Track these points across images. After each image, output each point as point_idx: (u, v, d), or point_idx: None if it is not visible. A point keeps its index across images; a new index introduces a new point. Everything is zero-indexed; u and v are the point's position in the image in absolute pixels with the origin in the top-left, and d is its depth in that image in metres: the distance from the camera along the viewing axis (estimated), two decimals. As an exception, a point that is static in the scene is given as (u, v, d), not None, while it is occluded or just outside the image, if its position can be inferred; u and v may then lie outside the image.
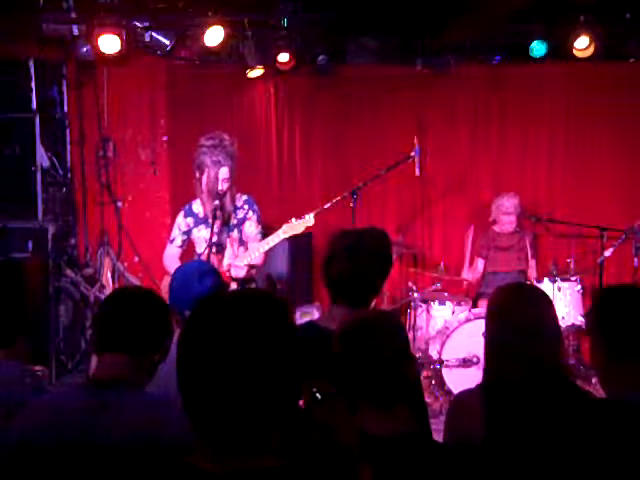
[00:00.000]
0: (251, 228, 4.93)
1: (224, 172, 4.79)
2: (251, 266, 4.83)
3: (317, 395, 1.80)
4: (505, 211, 6.72)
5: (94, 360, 2.35)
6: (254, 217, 4.94)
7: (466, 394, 2.46)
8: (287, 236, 4.77)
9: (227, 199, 4.82)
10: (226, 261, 4.77)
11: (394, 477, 1.97)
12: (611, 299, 2.16)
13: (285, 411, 1.45)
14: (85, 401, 2.20)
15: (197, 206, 4.99)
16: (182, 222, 5.02)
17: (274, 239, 4.76)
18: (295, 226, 4.75)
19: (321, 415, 1.75)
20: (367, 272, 2.70)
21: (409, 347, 2.29)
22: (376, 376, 2.11)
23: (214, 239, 4.73)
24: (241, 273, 4.74)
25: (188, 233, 5.01)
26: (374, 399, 2.11)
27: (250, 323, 1.43)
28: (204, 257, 4.74)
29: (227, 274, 4.72)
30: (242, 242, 4.92)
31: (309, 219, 4.77)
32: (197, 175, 4.88)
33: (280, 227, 4.78)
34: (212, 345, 1.41)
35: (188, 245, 5.08)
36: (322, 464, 1.52)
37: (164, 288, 4.77)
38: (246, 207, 4.94)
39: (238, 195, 4.94)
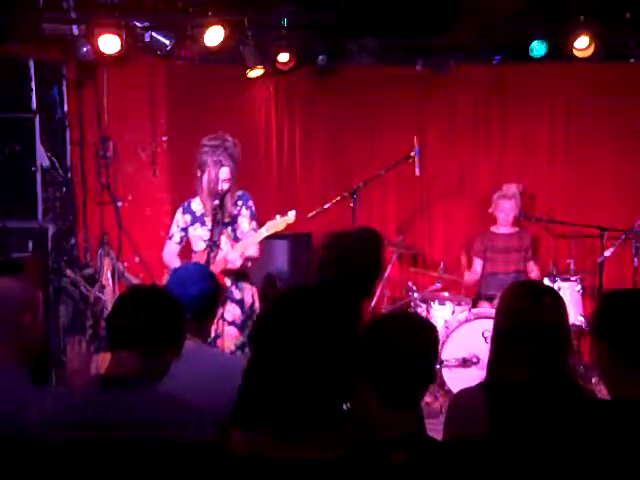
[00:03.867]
0: (244, 224, 4.95)
1: (225, 172, 4.82)
2: (247, 258, 4.87)
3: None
4: (504, 195, 6.73)
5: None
6: (247, 213, 4.96)
7: (467, 392, 2.44)
8: (269, 233, 4.79)
9: (227, 199, 4.84)
10: (220, 257, 4.78)
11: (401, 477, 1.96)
12: (615, 304, 2.14)
13: (343, 403, 1.52)
14: (97, 398, 2.21)
15: (196, 204, 5.01)
16: (180, 219, 5.06)
17: (257, 237, 4.80)
18: (276, 224, 4.77)
19: (357, 410, 1.76)
20: (358, 278, 2.71)
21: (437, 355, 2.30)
22: (405, 378, 2.09)
23: (212, 238, 4.75)
24: (237, 263, 4.79)
25: (186, 230, 5.04)
26: (391, 399, 2.10)
27: (323, 320, 1.51)
28: (204, 256, 4.75)
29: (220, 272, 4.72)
30: (237, 239, 4.93)
31: (290, 217, 4.79)
32: (198, 174, 4.92)
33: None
34: (288, 337, 1.48)
35: (186, 242, 5.11)
36: (366, 456, 1.54)
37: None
38: (239, 203, 4.96)
39: None
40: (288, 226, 4.85)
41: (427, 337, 2.20)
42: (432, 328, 2.26)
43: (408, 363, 2.09)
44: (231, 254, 4.77)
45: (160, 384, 2.32)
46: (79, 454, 2.13)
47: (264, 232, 4.77)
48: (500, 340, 2.45)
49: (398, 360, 2.08)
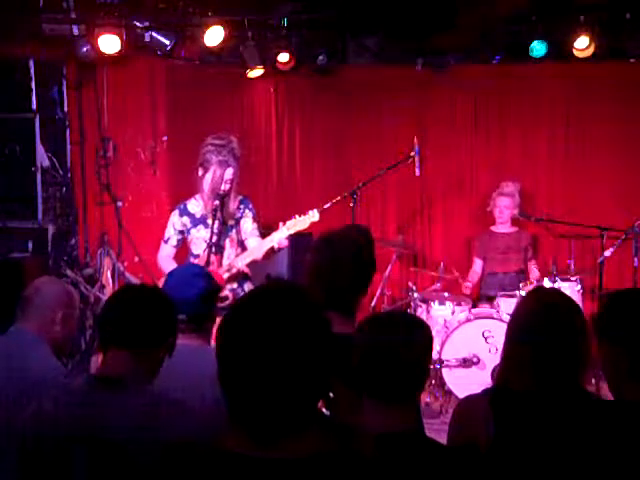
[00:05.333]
0: (247, 224, 4.92)
1: (229, 173, 4.79)
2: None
3: (330, 394, 1.81)
4: (501, 192, 6.73)
5: (95, 359, 2.37)
6: (250, 214, 4.95)
7: (473, 399, 2.39)
8: (292, 232, 4.73)
9: (229, 200, 4.82)
10: (225, 261, 4.79)
11: (399, 475, 1.96)
12: (618, 304, 2.11)
13: (317, 402, 1.51)
14: (89, 397, 2.20)
15: (193, 206, 4.95)
16: (177, 221, 4.97)
17: (279, 235, 4.71)
18: (299, 222, 4.71)
19: (337, 413, 1.76)
20: (350, 281, 2.71)
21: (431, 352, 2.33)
22: (406, 376, 2.11)
23: (213, 239, 4.74)
24: (243, 268, 4.79)
25: (184, 233, 4.98)
26: (392, 396, 2.10)
27: (293, 315, 1.49)
28: (204, 258, 4.74)
29: (226, 275, 4.73)
30: (239, 242, 4.92)
31: (313, 214, 4.74)
32: (200, 173, 4.86)
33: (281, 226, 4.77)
34: (256, 335, 1.46)
35: (182, 245, 5.03)
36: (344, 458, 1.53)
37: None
38: (242, 207, 4.94)
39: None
40: (311, 224, 4.75)
41: (420, 334, 2.21)
42: (425, 326, 2.27)
43: (401, 360, 2.10)
44: (239, 260, 4.76)
45: (152, 383, 2.32)
46: (70, 454, 2.13)
47: (285, 231, 4.69)
48: (510, 347, 2.42)
49: (392, 357, 2.10)
